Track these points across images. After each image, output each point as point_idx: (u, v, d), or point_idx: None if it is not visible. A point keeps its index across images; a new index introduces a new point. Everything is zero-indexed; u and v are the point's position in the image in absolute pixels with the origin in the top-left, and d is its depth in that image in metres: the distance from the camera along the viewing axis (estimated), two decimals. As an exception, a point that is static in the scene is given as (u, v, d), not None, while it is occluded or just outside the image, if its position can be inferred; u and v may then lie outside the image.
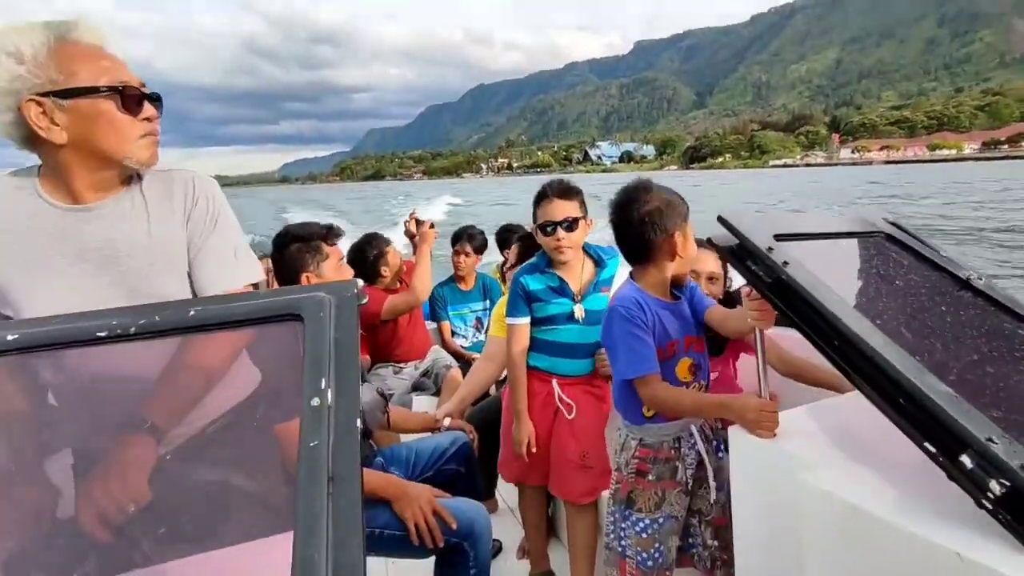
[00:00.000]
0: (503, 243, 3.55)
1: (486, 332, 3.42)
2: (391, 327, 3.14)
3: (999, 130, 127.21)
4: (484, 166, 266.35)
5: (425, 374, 3.16)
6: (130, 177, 1.16)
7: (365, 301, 0.71)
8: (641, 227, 1.43)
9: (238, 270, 1.24)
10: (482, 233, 3.76)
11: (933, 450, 0.81)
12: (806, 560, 1.00)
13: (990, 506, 0.76)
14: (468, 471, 2.00)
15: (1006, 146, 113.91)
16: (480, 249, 3.69)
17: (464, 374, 3.01)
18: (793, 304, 1.00)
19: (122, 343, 0.71)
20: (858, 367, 0.91)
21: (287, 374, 0.71)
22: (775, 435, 1.13)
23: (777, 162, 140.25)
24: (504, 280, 3.22)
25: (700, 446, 1.46)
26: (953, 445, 0.79)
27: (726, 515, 1.30)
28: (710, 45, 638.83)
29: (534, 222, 1.90)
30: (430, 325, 3.56)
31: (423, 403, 3.03)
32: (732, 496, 1.19)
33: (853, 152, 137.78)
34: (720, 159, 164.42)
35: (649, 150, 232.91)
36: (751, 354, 1.57)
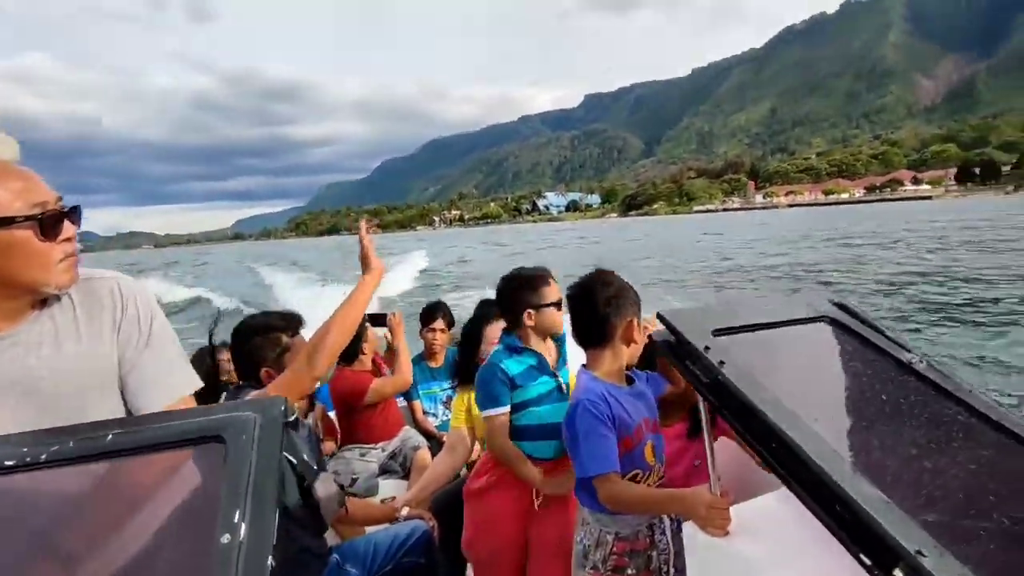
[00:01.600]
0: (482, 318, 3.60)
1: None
2: (363, 408, 3.08)
3: (882, 175, 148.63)
4: (437, 219, 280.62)
5: (392, 456, 3.11)
6: (45, 298, 1.09)
7: (294, 418, 0.67)
8: (604, 310, 1.50)
9: (174, 384, 1.18)
10: (450, 310, 3.75)
11: (868, 562, 0.82)
12: None
13: None
14: (428, 562, 1.96)
15: (888, 190, 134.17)
16: (451, 324, 3.68)
17: (434, 455, 2.98)
18: (729, 406, 1.01)
19: (32, 472, 0.65)
20: (794, 473, 0.91)
21: (204, 503, 0.68)
22: (726, 533, 1.14)
23: (700, 208, 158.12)
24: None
25: (668, 533, 1.48)
26: (886, 558, 0.79)
27: None
28: (656, 97, 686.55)
29: (530, 304, 1.89)
30: (400, 403, 3.53)
31: (391, 487, 2.96)
32: None
33: (764, 197, 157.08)
34: (655, 205, 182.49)
35: (594, 199, 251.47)
36: (731, 437, 1.58)
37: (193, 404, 1.19)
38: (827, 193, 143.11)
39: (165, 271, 39.97)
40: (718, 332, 1.11)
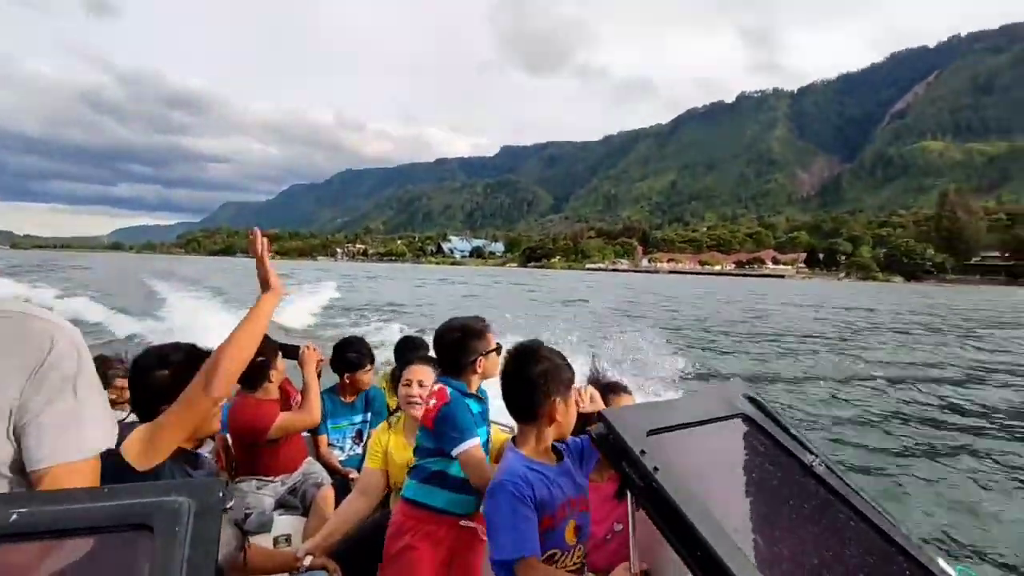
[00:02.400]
0: (401, 355, 3.49)
1: (364, 447, 3.27)
2: (264, 441, 2.94)
3: (752, 253, 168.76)
4: (340, 250, 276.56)
5: (292, 491, 2.99)
6: None
7: (231, 506, 0.65)
8: (529, 387, 1.52)
9: (85, 437, 1.08)
10: (368, 346, 3.64)
11: None
12: None
13: None
14: None
15: (753, 266, 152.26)
16: (372, 361, 3.59)
17: (337, 492, 2.92)
18: (662, 513, 1.07)
19: None
20: None
21: None
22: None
23: (592, 265, 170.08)
24: (394, 390, 2.92)
25: None
26: None
27: None
28: (568, 156, 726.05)
29: (479, 351, 1.98)
30: (303, 433, 3.33)
31: (287, 524, 2.84)
32: None
33: (649, 261, 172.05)
34: (554, 259, 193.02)
35: (498, 247, 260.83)
36: None
37: (97, 467, 1.09)
38: (703, 263, 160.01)
39: (25, 275, 36.04)
40: (652, 432, 1.18)
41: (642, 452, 1.11)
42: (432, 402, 1.96)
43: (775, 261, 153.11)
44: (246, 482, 2.93)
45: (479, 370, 2.00)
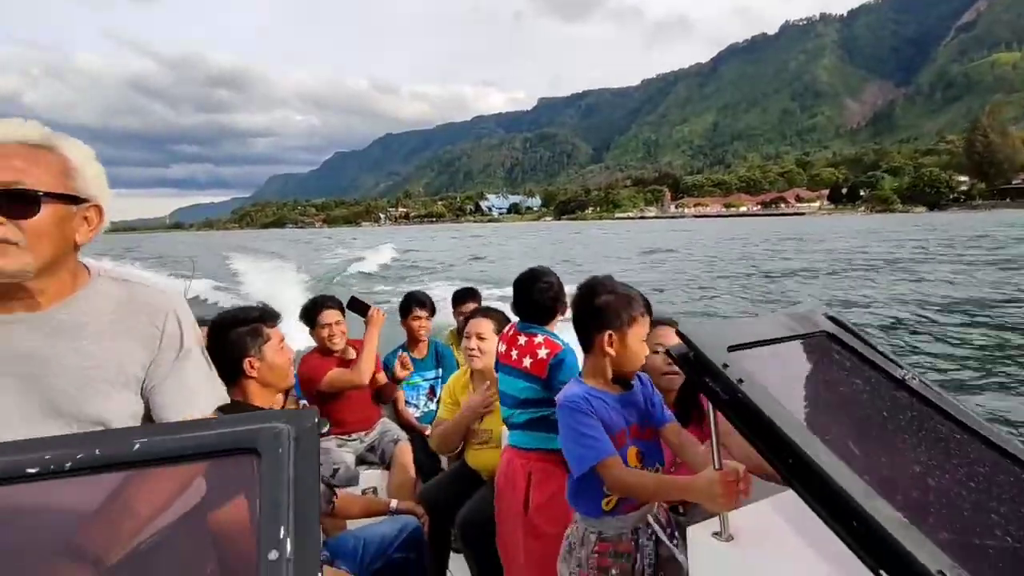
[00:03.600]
0: (459, 305, 3.72)
1: (438, 403, 3.31)
2: (339, 394, 3.09)
3: (781, 193, 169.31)
4: (383, 215, 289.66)
5: (371, 448, 3.13)
6: (81, 285, 1.12)
7: (326, 430, 1.07)
8: (584, 320, 1.60)
9: (202, 395, 1.22)
10: (430, 298, 3.77)
11: None
12: None
13: None
14: (419, 557, 2.02)
15: (776, 205, 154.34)
16: (433, 313, 3.72)
17: (415, 447, 3.08)
18: (749, 423, 1.06)
19: (57, 479, 0.65)
20: (813, 489, 0.96)
21: (241, 517, 0.66)
22: (738, 504, 1.22)
23: (621, 214, 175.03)
24: (459, 346, 3.13)
25: (662, 535, 1.51)
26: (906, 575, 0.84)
27: None
28: (606, 105, 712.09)
29: (561, 300, 2.16)
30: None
31: (372, 477, 2.99)
32: None
33: (676, 208, 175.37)
34: (587, 211, 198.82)
35: (535, 202, 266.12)
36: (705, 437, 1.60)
37: None
38: (727, 206, 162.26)
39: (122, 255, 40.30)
40: (732, 348, 1.16)
41: (724, 365, 1.10)
42: (543, 352, 2.04)
43: (799, 199, 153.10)
44: (327, 440, 3.06)
45: (561, 316, 2.11)
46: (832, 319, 1.49)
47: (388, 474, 3.01)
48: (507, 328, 2.30)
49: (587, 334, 1.59)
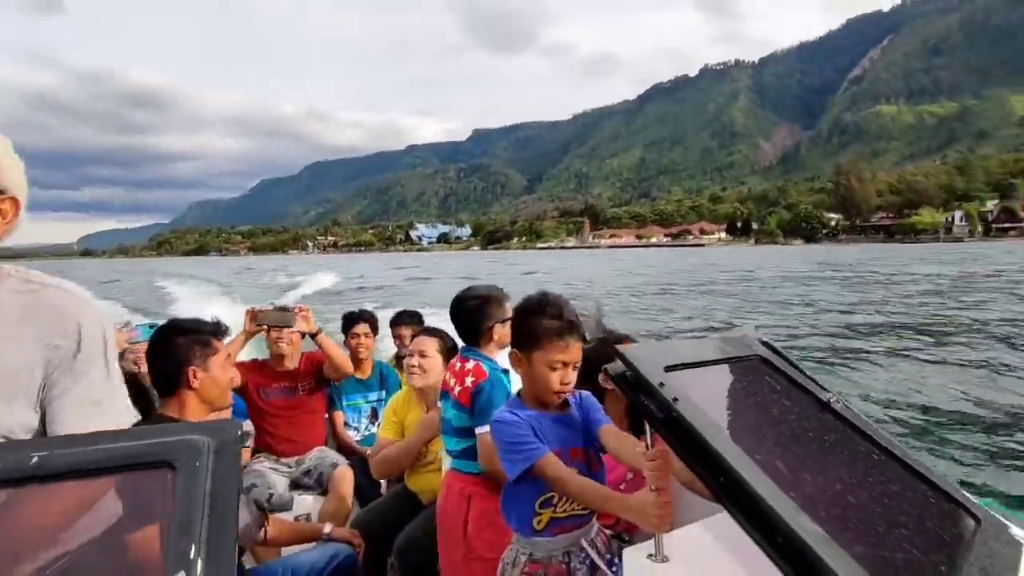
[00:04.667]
0: (397, 328, 3.66)
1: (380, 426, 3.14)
2: (282, 415, 3.03)
3: (678, 226, 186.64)
4: (311, 243, 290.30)
5: (307, 472, 3.00)
6: None
7: (249, 444, 0.93)
8: (513, 339, 1.60)
9: (108, 416, 1.11)
10: (373, 315, 3.70)
11: None
12: None
13: None
14: None
15: (689, 236, 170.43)
16: (375, 330, 3.63)
17: (355, 471, 2.94)
18: (683, 441, 1.10)
19: None
20: (742, 507, 1.00)
21: (151, 536, 0.62)
22: (669, 527, 1.26)
23: (543, 244, 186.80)
24: (402, 370, 3.06)
25: (595, 558, 1.50)
26: None
27: None
28: (539, 137, 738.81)
29: (494, 318, 2.09)
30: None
31: (307, 504, 2.86)
32: None
33: (593, 239, 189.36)
34: (512, 241, 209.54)
35: (465, 231, 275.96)
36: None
37: None
38: (639, 237, 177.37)
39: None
40: (669, 368, 1.20)
41: (660, 384, 1.13)
42: (469, 379, 1.99)
43: (702, 232, 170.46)
44: (261, 462, 2.97)
45: (495, 337, 2.04)
46: (765, 344, 1.55)
47: (324, 501, 2.87)
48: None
49: (513, 354, 1.59)
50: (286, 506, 2.79)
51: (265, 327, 2.98)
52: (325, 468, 2.99)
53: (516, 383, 1.78)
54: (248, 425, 3.01)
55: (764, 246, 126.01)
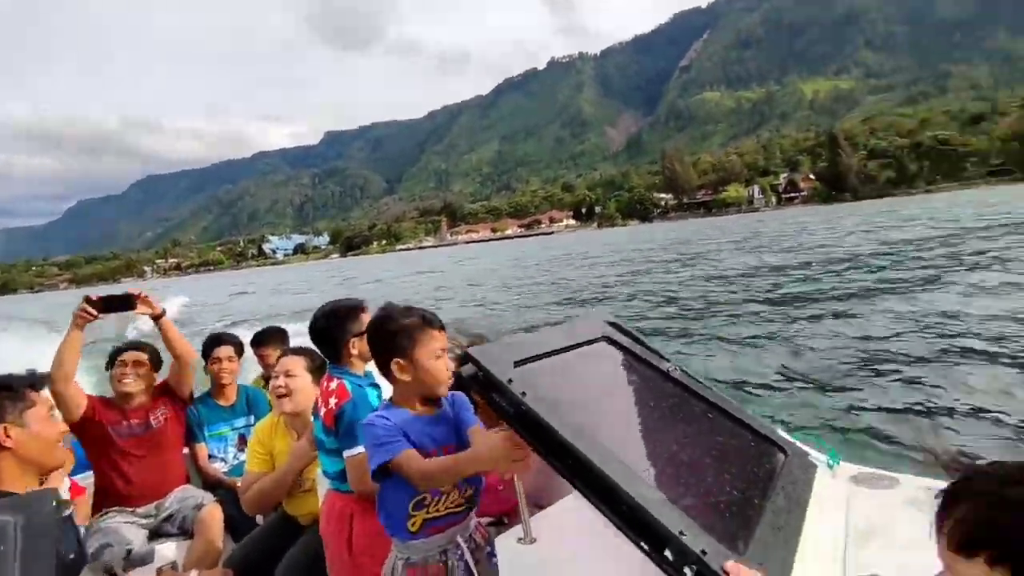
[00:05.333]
0: (260, 348, 3.44)
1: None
2: (136, 455, 2.80)
3: (530, 217, 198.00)
4: (148, 268, 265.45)
5: (168, 518, 2.77)
6: None
7: (69, 512, 0.58)
8: (375, 352, 1.61)
9: None
10: (235, 337, 3.49)
11: (647, 547, 1.04)
12: None
13: None
14: None
15: (540, 225, 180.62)
16: (239, 352, 3.42)
17: (225, 506, 2.74)
18: (533, 433, 1.18)
19: None
20: (588, 484, 1.10)
21: None
22: (529, 468, 1.28)
23: (402, 246, 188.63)
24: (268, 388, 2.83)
25: (467, 556, 1.54)
26: (658, 542, 1.02)
27: None
28: (395, 136, 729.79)
29: (350, 332, 2.03)
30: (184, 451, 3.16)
31: (170, 551, 2.64)
32: None
33: (451, 235, 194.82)
34: (372, 246, 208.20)
35: (322, 240, 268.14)
36: None
37: None
38: (494, 231, 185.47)
39: None
40: (518, 363, 1.27)
41: (509, 381, 1.20)
42: (332, 401, 1.95)
43: (551, 220, 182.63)
44: (111, 517, 2.69)
45: (355, 351, 2.02)
46: (612, 324, 1.66)
47: (191, 545, 2.61)
48: None
49: (382, 364, 1.60)
50: (146, 559, 2.58)
51: (101, 315, 2.70)
52: (188, 511, 2.77)
53: (388, 392, 1.76)
54: (89, 477, 2.87)
55: (605, 228, 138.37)
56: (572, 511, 1.42)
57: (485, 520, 1.72)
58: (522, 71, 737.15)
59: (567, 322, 1.69)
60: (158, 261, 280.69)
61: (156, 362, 3.01)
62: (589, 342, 1.57)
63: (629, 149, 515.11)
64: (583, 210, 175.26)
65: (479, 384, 1.25)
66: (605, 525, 1.13)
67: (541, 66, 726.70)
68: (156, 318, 2.85)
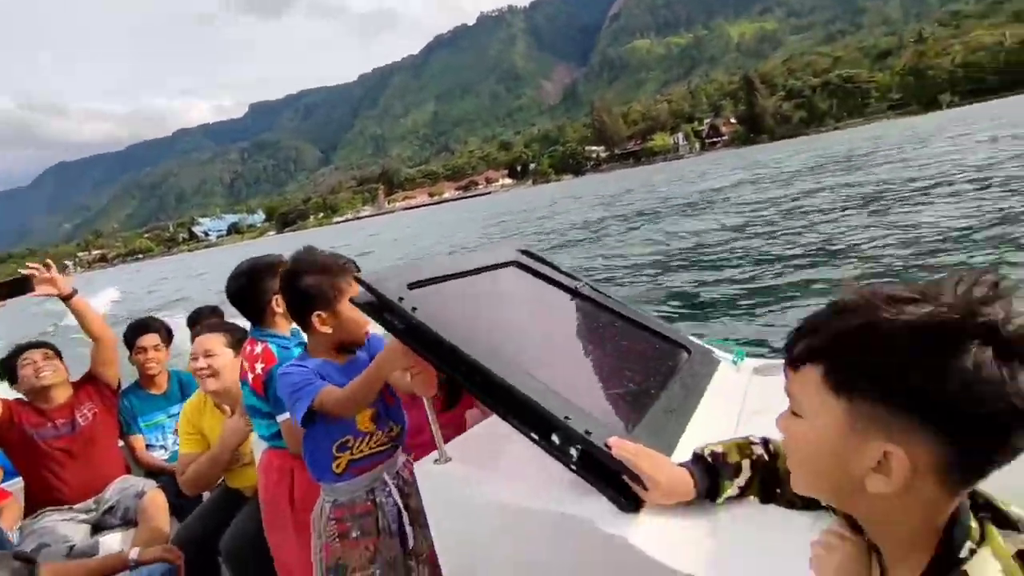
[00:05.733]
0: (191, 328, 3.18)
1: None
2: (67, 455, 2.68)
3: (467, 178, 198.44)
4: (70, 263, 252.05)
5: (110, 510, 2.69)
6: None
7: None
8: (292, 305, 1.61)
9: None
10: (159, 322, 3.36)
11: (536, 436, 1.08)
12: (491, 563, 1.19)
13: (575, 469, 1.05)
14: None
15: (471, 187, 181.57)
16: (167, 339, 3.31)
17: (168, 492, 2.71)
18: (425, 343, 1.18)
19: None
20: (480, 385, 1.13)
21: None
22: (432, 385, 1.32)
23: (339, 218, 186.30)
24: None
25: (395, 494, 1.57)
26: (546, 429, 1.07)
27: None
28: (326, 103, 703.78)
29: (271, 291, 1.92)
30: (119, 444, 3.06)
31: (115, 542, 2.59)
32: (431, 527, 1.31)
33: (389, 203, 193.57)
34: (308, 220, 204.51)
35: (257, 218, 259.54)
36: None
37: None
38: (431, 195, 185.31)
39: None
40: (413, 285, 1.26)
41: (400, 299, 1.18)
42: (259, 366, 1.88)
43: (487, 180, 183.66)
44: (47, 515, 2.62)
45: (279, 309, 1.92)
46: (524, 252, 1.69)
47: (136, 532, 2.61)
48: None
49: (300, 317, 1.58)
50: (91, 551, 2.49)
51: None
52: (130, 500, 2.70)
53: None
54: (18, 483, 2.78)
55: (540, 185, 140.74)
56: (488, 429, 1.44)
57: None
58: (452, 28, 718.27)
59: (476, 250, 1.80)
60: (80, 254, 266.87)
61: (59, 356, 2.90)
62: (497, 267, 1.57)
63: (565, 102, 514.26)
64: (518, 168, 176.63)
65: (371, 308, 1.25)
66: (518, 438, 1.15)
67: (470, 22, 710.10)
68: (66, 299, 2.64)
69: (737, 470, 0.97)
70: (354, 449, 1.55)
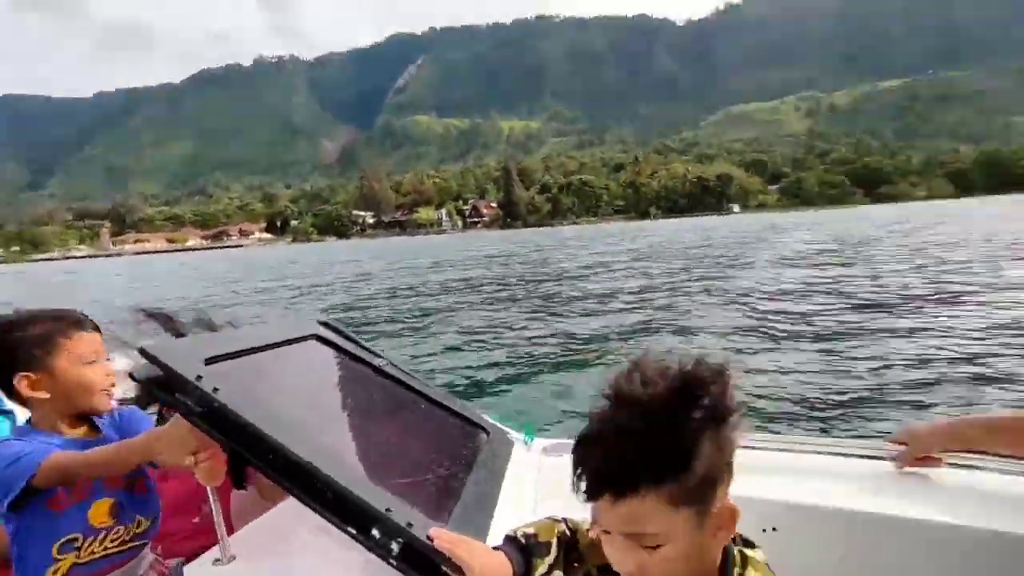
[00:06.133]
0: None
1: None
2: None
3: (217, 227, 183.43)
4: None
5: None
6: None
7: None
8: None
9: None
10: None
11: (354, 531, 1.01)
12: None
13: (395, 564, 1.00)
14: None
15: (228, 237, 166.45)
16: None
17: None
18: (227, 430, 1.08)
19: None
20: (288, 475, 1.04)
21: None
22: (220, 474, 1.20)
23: (41, 255, 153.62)
24: None
25: None
26: (365, 523, 1.01)
27: None
28: (46, 117, 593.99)
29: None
30: None
31: None
32: None
33: (114, 244, 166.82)
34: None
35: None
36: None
37: None
38: (171, 241, 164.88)
39: None
40: (210, 360, 1.16)
41: (199, 378, 1.08)
42: None
43: (241, 232, 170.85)
44: None
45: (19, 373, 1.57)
46: (324, 324, 1.65)
47: None
48: None
49: (6, 388, 1.31)
50: None
51: None
52: None
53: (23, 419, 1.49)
54: None
55: (299, 244, 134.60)
56: (281, 517, 1.33)
57: (175, 561, 1.48)
58: (223, 64, 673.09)
59: (272, 322, 1.66)
60: None
61: None
62: (296, 340, 1.53)
63: (343, 162, 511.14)
64: (278, 223, 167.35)
65: (161, 386, 1.11)
66: (318, 528, 1.09)
67: (246, 63, 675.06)
68: None
69: (547, 548, 1.00)
70: (83, 550, 1.27)
